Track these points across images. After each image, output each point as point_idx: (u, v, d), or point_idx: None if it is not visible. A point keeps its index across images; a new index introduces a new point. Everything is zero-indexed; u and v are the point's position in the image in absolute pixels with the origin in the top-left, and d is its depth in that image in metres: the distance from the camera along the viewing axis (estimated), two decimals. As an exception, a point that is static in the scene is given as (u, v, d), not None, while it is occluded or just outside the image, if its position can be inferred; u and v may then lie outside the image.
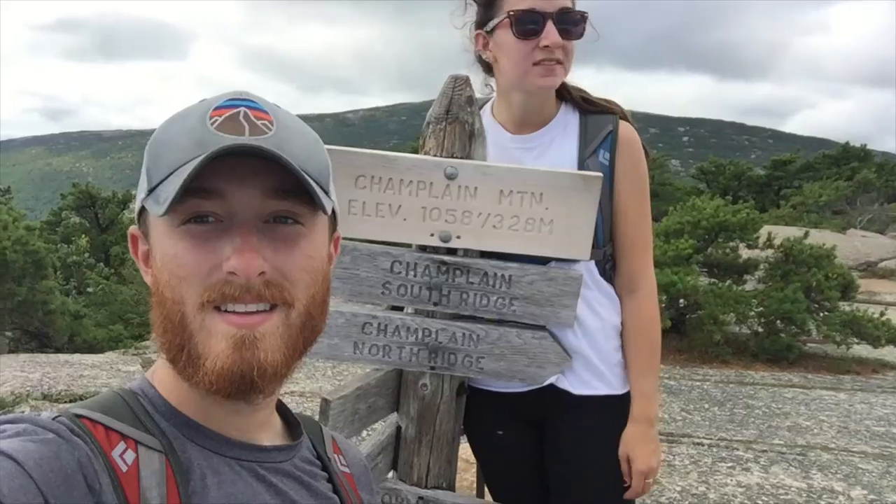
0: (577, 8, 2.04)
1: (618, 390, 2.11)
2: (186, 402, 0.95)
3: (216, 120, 0.89)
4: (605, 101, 2.11)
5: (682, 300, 9.17)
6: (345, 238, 2.03)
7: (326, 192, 0.94)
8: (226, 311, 0.89)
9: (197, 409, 0.95)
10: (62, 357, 7.86)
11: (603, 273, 2.10)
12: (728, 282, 9.67)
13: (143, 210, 0.94)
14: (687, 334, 9.14)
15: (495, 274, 2.01)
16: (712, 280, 9.73)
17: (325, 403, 1.93)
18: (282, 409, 1.12)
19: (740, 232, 9.86)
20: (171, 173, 0.88)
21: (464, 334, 2.05)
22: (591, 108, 2.09)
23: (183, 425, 0.94)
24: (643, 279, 2.10)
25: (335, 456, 1.16)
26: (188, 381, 0.91)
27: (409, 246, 2.08)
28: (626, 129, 2.06)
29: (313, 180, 0.90)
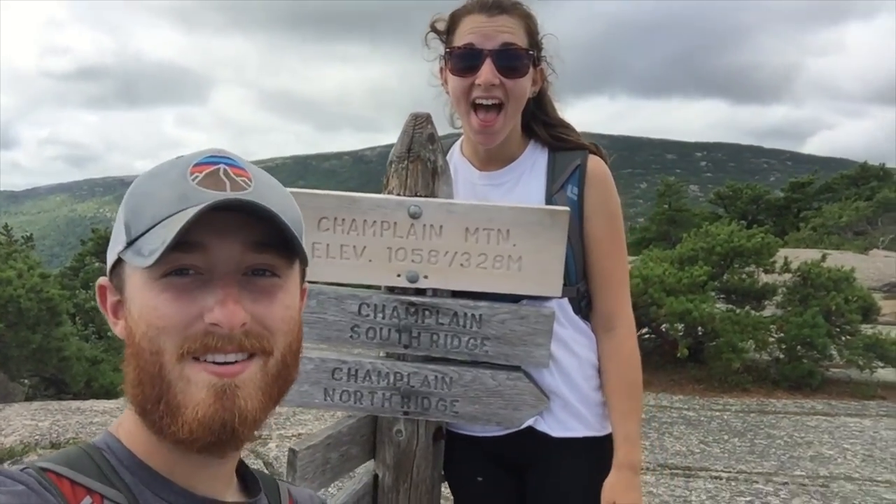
0: (546, 39, 2.00)
1: (598, 431, 2.02)
2: (153, 454, 0.94)
3: (197, 176, 0.92)
4: (573, 135, 2.04)
5: (699, 328, 9.02)
6: (311, 281, 1.98)
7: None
8: (204, 360, 0.89)
9: (164, 462, 0.94)
10: (74, 404, 7.84)
11: (578, 310, 2.03)
12: (746, 308, 9.51)
13: (116, 262, 0.95)
14: (705, 363, 8.97)
15: (465, 314, 1.95)
16: (730, 307, 9.57)
17: (293, 454, 1.86)
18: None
19: (756, 257, 9.73)
20: (154, 226, 0.89)
21: (436, 377, 1.98)
22: (559, 145, 2.03)
23: (149, 479, 0.93)
24: (620, 316, 2.02)
25: None
26: (161, 433, 0.90)
27: (377, 288, 2.02)
28: (594, 163, 2.00)
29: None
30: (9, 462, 5.57)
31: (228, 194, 0.89)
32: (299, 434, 6.16)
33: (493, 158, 2.05)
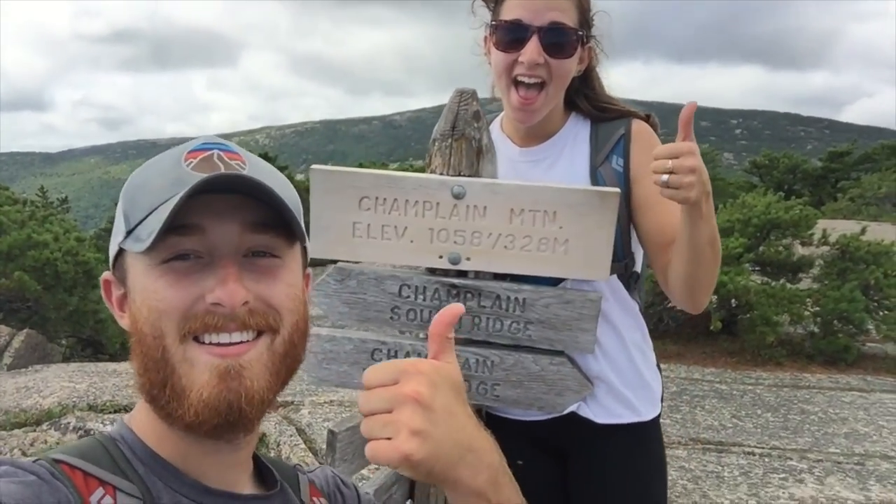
0: (598, 16, 1.91)
1: (644, 416, 1.98)
2: (164, 444, 0.94)
3: (191, 162, 0.92)
4: (618, 104, 1.96)
5: (733, 301, 8.90)
6: (351, 261, 1.95)
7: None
8: (208, 343, 0.89)
9: (175, 451, 0.94)
10: (111, 366, 7.97)
11: (626, 287, 1.97)
12: (782, 281, 9.37)
13: (118, 255, 0.95)
14: (738, 336, 8.87)
15: (508, 297, 1.90)
16: (765, 279, 9.42)
17: (332, 435, 1.85)
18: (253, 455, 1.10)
19: (793, 229, 9.55)
20: (151, 212, 0.89)
21: (477, 360, 1.94)
22: (603, 116, 1.96)
23: (162, 470, 0.93)
24: None
25: (315, 500, 1.14)
26: (169, 419, 0.90)
27: (417, 268, 1.98)
28: (638, 126, 1.92)
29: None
30: (47, 423, 5.67)
31: (224, 172, 0.89)
32: (331, 400, 6.20)
33: (532, 134, 1.99)
